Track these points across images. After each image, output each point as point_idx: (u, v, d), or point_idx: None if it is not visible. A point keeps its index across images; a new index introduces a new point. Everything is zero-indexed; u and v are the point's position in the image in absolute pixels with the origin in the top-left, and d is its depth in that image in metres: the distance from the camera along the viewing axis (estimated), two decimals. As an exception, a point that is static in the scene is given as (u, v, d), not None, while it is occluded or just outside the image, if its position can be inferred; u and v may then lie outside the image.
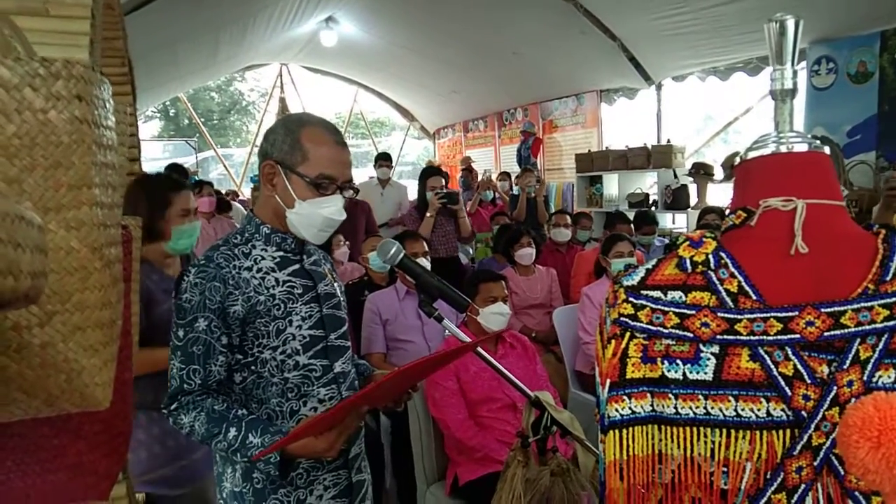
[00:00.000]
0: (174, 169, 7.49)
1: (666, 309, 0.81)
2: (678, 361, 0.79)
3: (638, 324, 0.81)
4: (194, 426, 1.44)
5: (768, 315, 0.77)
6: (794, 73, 0.86)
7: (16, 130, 0.51)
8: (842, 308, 0.76)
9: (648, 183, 7.26)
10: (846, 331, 0.75)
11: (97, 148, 0.56)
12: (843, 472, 0.75)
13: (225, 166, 13.59)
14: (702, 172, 6.17)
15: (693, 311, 0.80)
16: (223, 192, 8.76)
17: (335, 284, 1.67)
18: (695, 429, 0.78)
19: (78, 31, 1.67)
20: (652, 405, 0.80)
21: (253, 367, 1.51)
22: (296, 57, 11.41)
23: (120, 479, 1.78)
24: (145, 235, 2.17)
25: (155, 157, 15.27)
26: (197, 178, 7.07)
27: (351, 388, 1.63)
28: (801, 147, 0.84)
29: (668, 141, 7.03)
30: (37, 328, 0.52)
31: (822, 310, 0.76)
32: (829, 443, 0.75)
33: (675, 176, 6.59)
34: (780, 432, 0.76)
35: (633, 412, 0.80)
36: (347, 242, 4.28)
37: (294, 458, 1.46)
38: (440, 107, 12.05)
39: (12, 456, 0.71)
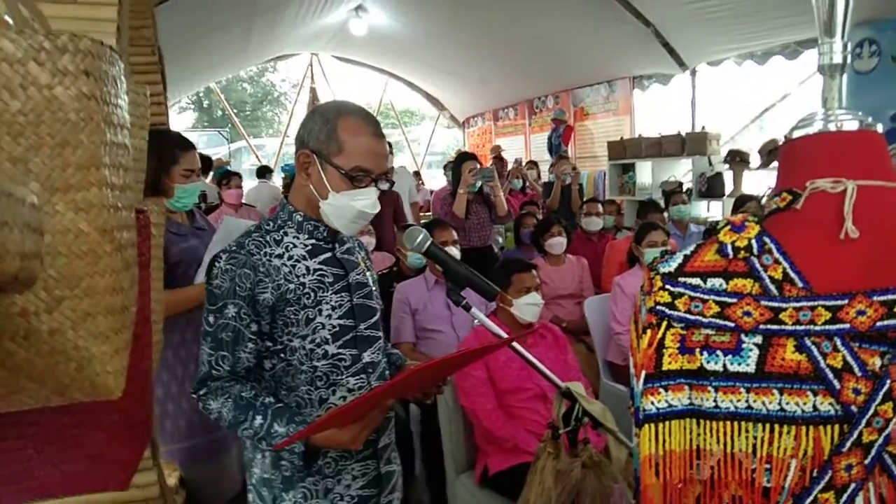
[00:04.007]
0: (203, 161, 7.57)
1: (705, 297, 0.76)
2: (718, 352, 0.75)
3: (675, 312, 0.77)
4: (222, 412, 1.44)
5: (816, 303, 0.72)
6: (844, 46, 0.80)
7: (20, 107, 0.49)
8: (896, 296, 0.71)
9: (682, 171, 7.12)
10: (901, 320, 0.70)
11: (107, 126, 0.54)
12: (896, 472, 0.71)
13: (257, 156, 13.68)
14: (738, 160, 6.03)
15: (734, 300, 0.75)
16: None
17: (367, 273, 1.64)
18: (736, 423, 0.74)
19: (105, 19, 1.67)
20: (690, 398, 0.76)
21: (282, 355, 1.50)
22: (326, 46, 11.42)
23: (150, 465, 1.79)
24: (149, 189, 2.22)
25: (192, 148, 15.43)
26: (226, 169, 7.10)
27: (381, 378, 1.61)
28: (852, 125, 0.79)
29: (703, 128, 6.87)
30: (45, 314, 0.50)
31: (875, 298, 0.71)
32: (881, 440, 0.70)
33: (710, 163, 6.45)
34: (828, 428, 0.71)
35: (670, 405, 0.75)
36: (373, 231, 4.26)
37: (318, 449, 1.45)
38: (470, 95, 11.97)
39: (32, 444, 0.70)
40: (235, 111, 17.63)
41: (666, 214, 5.22)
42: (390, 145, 6.40)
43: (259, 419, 1.41)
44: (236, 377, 1.46)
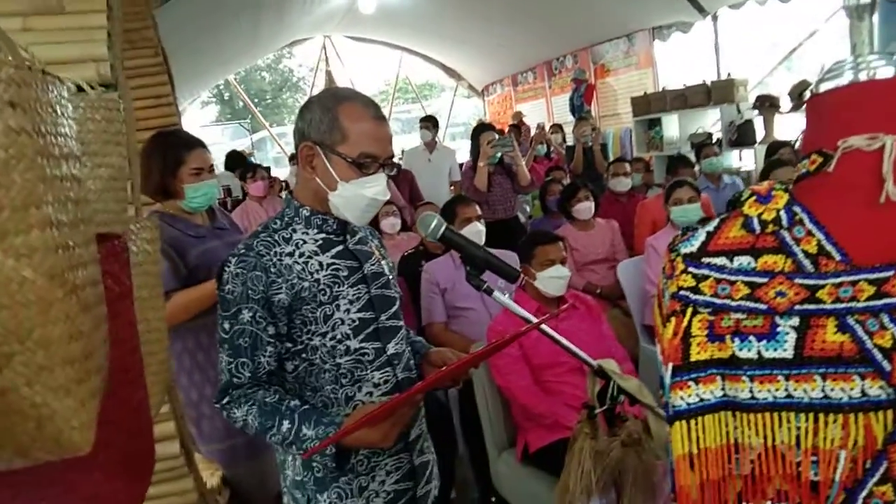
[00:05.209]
0: (234, 157, 7.57)
1: (733, 278, 0.69)
2: (751, 338, 0.68)
3: (701, 297, 0.70)
4: (247, 420, 1.41)
5: (857, 277, 0.65)
6: (873, -18, 0.71)
7: (-63, 152, 0.44)
8: (948, 262, 0.63)
9: (711, 121, 6.90)
10: (956, 289, 0.63)
11: (45, 160, 0.49)
12: (960, 457, 0.63)
13: (280, 146, 13.68)
14: (767, 105, 5.81)
15: (765, 279, 0.68)
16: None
17: (383, 262, 1.60)
18: (775, 414, 0.67)
19: (95, 26, 1.62)
20: (723, 389, 0.69)
21: (303, 355, 1.47)
22: (337, 27, 11.31)
23: (186, 472, 1.79)
24: (160, 193, 2.21)
25: (215, 141, 15.61)
26: (249, 162, 7.06)
27: (406, 370, 1.57)
28: (886, 71, 0.70)
29: (729, 74, 6.63)
30: (-7, 374, 0.46)
31: (924, 266, 0.64)
32: (941, 423, 0.63)
33: (739, 111, 6.24)
34: (880, 414, 0.64)
35: (702, 399, 0.69)
36: (398, 213, 4.21)
37: (350, 449, 1.42)
38: (487, 62, 11.77)
39: (23, 494, 0.67)
40: (256, 100, 17.63)
41: (697, 168, 5.06)
42: (435, 120, 6.30)
43: (286, 424, 1.38)
44: (258, 383, 1.43)
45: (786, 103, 5.74)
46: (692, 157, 5.39)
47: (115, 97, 0.86)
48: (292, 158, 8.77)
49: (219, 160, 12.40)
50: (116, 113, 0.82)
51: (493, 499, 2.80)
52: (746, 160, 6.50)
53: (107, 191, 0.77)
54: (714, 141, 6.44)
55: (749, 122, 6.09)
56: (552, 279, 2.56)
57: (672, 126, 7.20)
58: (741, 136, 6.15)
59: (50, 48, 1.48)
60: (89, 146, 0.74)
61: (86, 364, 0.51)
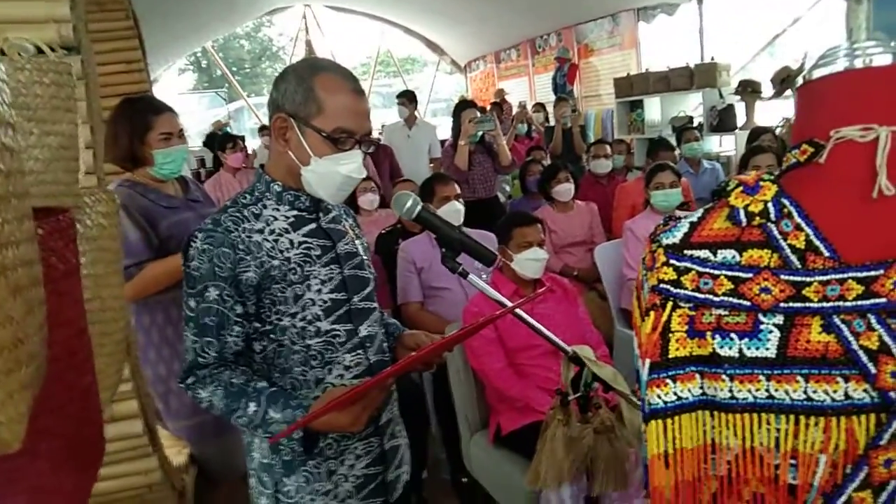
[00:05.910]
0: (215, 137, 7.36)
1: (716, 272, 0.66)
2: (733, 335, 0.65)
3: (682, 291, 0.67)
4: (213, 401, 1.37)
5: (845, 275, 0.62)
6: (873, -36, 0.68)
7: None
8: (940, 262, 0.60)
9: (692, 105, 6.89)
10: (946, 290, 0.60)
11: (-31, 127, 0.44)
12: (943, 463, 0.61)
13: (257, 116, 13.46)
14: (749, 90, 5.80)
15: (750, 274, 0.65)
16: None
17: (357, 242, 1.55)
18: (755, 415, 0.65)
19: (58, -15, 1.53)
20: (702, 387, 0.66)
21: (272, 336, 1.42)
22: (318, -4, 11.11)
23: (149, 451, 1.75)
24: (129, 161, 2.17)
25: (191, 110, 15.34)
26: (227, 132, 6.91)
27: (379, 353, 1.53)
28: (883, 59, 0.66)
29: (713, 58, 6.62)
30: None
31: (915, 265, 0.61)
32: (925, 429, 0.61)
33: (721, 96, 6.23)
34: (863, 418, 0.62)
35: (679, 398, 0.66)
36: (376, 189, 4.15)
37: (318, 433, 1.38)
38: (470, 38, 11.63)
39: (-43, 485, 0.62)
40: (234, 69, 17.28)
41: (678, 152, 5.05)
42: (413, 95, 6.19)
43: (252, 406, 1.34)
44: (225, 363, 1.39)
45: (768, 89, 5.73)
46: (673, 140, 5.38)
47: (67, 61, 0.81)
48: (262, 129, 8.58)
49: (194, 130, 12.14)
50: (68, 77, 0.76)
51: (465, 479, 2.80)
52: (727, 145, 6.51)
53: (56, 160, 0.72)
54: (695, 125, 6.44)
55: (730, 107, 6.09)
56: (529, 261, 2.54)
57: (654, 109, 7.19)
58: (722, 121, 6.15)
59: (7, 6, 1.40)
60: (36, 112, 0.69)
61: (16, 352, 0.46)
